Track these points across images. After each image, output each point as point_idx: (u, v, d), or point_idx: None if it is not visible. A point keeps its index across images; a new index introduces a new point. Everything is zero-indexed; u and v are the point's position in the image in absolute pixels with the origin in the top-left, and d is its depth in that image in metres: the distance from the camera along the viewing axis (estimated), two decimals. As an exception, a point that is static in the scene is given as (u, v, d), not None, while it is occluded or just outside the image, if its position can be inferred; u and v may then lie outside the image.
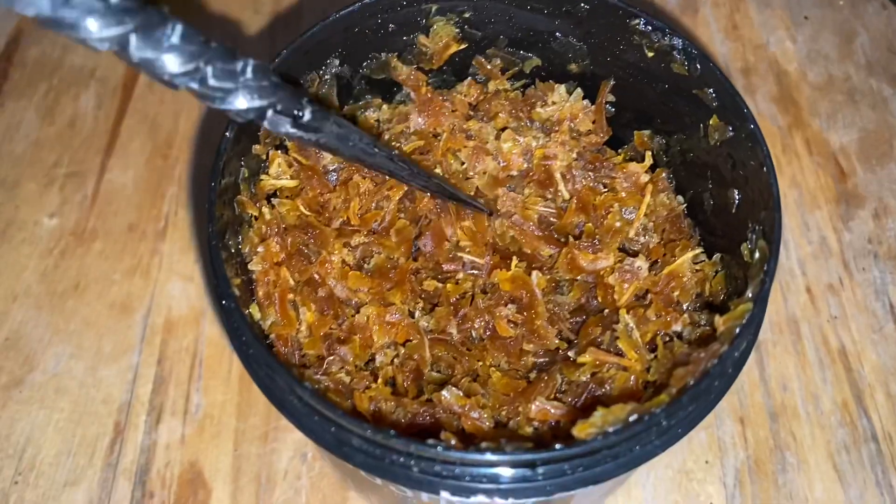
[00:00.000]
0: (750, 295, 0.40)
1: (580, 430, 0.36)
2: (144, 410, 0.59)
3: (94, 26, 0.24)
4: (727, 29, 0.77)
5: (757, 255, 0.42)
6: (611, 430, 0.35)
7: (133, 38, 0.26)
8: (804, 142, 0.70)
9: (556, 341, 0.50)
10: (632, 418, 0.35)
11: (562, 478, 0.35)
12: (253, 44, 0.78)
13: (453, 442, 0.35)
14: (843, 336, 0.60)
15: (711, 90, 0.47)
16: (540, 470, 0.35)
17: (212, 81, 0.29)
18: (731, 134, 0.47)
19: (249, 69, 0.30)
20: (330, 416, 0.36)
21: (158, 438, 0.58)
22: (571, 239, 0.53)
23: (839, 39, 0.76)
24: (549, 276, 0.52)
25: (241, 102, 0.31)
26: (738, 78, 0.74)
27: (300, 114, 0.34)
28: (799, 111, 0.72)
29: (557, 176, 0.54)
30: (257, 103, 0.31)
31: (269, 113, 0.32)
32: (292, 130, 0.34)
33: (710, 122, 0.48)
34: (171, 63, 0.27)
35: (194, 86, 0.29)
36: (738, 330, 0.38)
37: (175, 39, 0.27)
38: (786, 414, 0.57)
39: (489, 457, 0.34)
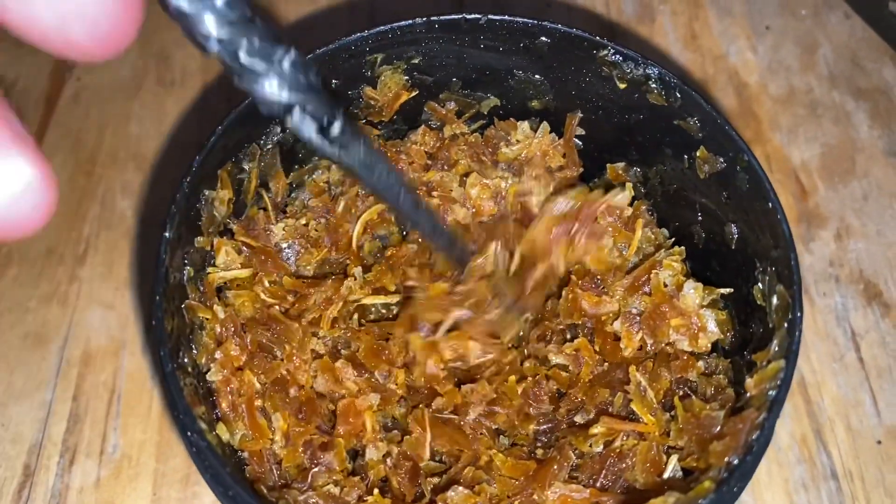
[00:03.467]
0: (777, 349, 0.36)
1: None
2: (57, 451, 0.54)
3: None
4: (686, 38, 0.74)
5: (776, 300, 0.38)
6: None
7: None
8: (764, 158, 0.67)
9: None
10: None
11: None
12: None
13: None
14: (803, 366, 0.57)
15: (695, 120, 0.43)
16: None
17: (243, 57, 0.26)
18: (723, 166, 0.43)
19: (288, 59, 0.28)
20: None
21: (71, 482, 0.53)
22: (573, 277, 0.48)
23: (801, 50, 0.73)
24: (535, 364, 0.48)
25: (270, 90, 0.28)
26: (696, 90, 0.71)
27: (330, 124, 0.31)
28: (759, 125, 0.69)
29: (537, 210, 0.50)
30: (286, 96, 0.28)
31: (296, 111, 0.29)
32: (315, 137, 0.31)
33: (698, 155, 0.44)
34: (209, 22, 0.25)
35: (225, 56, 0.26)
36: (773, 393, 0.34)
37: (219, 2, 0.25)
38: (742, 450, 0.54)
39: None
